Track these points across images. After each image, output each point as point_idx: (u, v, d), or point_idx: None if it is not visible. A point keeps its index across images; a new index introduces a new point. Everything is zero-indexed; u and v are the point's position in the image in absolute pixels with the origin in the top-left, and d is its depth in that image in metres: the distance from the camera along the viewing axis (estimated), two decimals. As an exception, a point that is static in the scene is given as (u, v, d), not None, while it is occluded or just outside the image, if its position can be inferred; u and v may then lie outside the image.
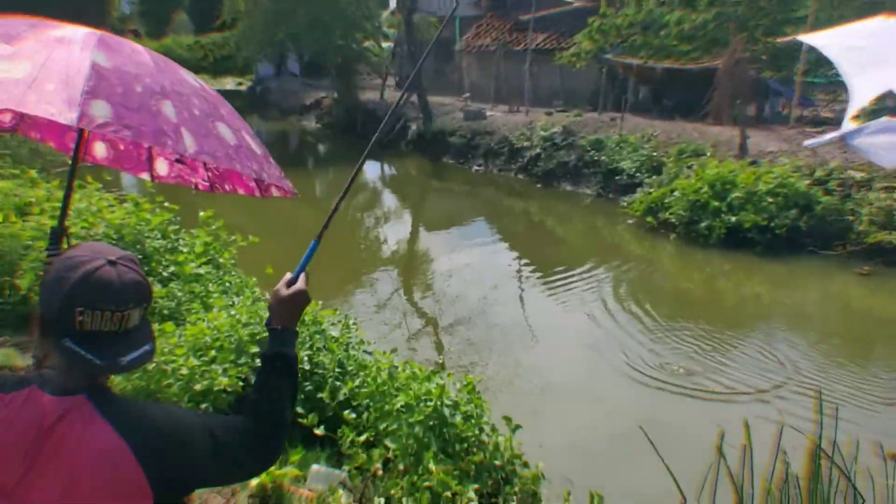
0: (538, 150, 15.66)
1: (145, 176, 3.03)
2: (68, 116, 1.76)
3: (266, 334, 1.70)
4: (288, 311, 1.69)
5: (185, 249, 6.02)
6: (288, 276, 1.72)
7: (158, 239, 6.03)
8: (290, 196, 2.50)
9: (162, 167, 3.00)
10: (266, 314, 4.02)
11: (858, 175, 11.39)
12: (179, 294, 5.04)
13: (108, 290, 1.33)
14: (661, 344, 7.55)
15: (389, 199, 16.59)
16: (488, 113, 18.98)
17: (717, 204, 11.02)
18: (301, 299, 1.70)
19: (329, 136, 24.96)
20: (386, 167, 20.09)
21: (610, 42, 18.52)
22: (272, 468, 3.05)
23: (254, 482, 3.09)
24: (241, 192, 2.74)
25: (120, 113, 1.84)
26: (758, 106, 16.36)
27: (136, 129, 1.85)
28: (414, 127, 19.98)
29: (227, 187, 2.79)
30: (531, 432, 4.03)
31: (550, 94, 21.40)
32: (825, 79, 19.63)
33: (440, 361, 6.79)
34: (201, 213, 6.13)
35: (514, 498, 3.35)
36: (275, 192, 2.62)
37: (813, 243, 10.63)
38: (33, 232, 5.23)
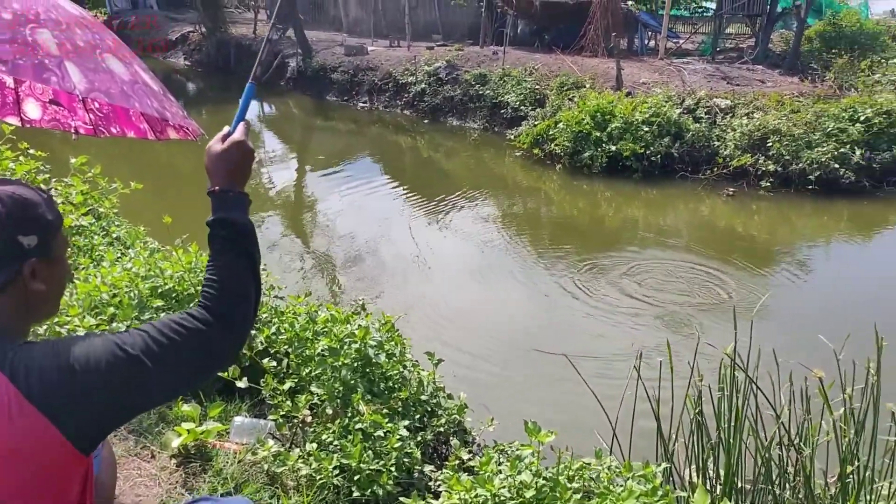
0: (423, 86, 15.60)
1: (13, 121, 2.56)
2: None
3: None
4: (226, 169, 1.44)
5: (59, 201, 5.35)
6: (225, 129, 1.49)
7: (28, 190, 5.45)
8: (194, 138, 2.18)
9: (33, 110, 2.56)
10: (166, 266, 3.76)
11: (723, 103, 12.29)
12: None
13: None
14: (544, 267, 8.10)
15: (272, 141, 15.84)
16: (370, 48, 18.56)
17: (598, 134, 11.52)
18: (239, 152, 1.45)
19: (200, 75, 23.34)
20: (266, 107, 19.23)
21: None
22: (193, 426, 2.89)
23: (174, 442, 2.87)
24: (130, 135, 2.39)
25: None
26: (628, 39, 17.06)
27: (12, 64, 1.55)
28: (293, 64, 19.18)
29: (113, 130, 2.43)
30: (446, 366, 4.00)
31: (429, 28, 21.20)
32: (687, 12, 20.76)
33: (336, 302, 6.76)
34: (73, 160, 5.40)
35: (442, 429, 3.38)
36: (172, 135, 2.30)
37: (684, 169, 11.46)
38: None
